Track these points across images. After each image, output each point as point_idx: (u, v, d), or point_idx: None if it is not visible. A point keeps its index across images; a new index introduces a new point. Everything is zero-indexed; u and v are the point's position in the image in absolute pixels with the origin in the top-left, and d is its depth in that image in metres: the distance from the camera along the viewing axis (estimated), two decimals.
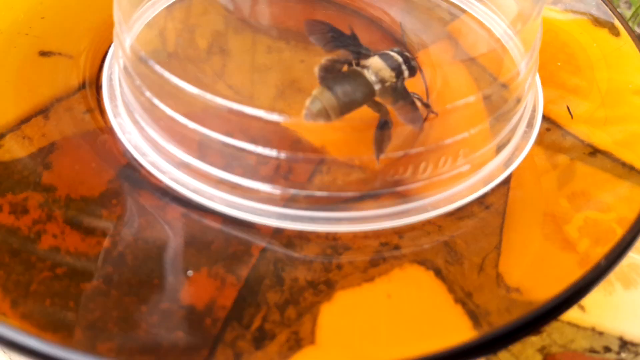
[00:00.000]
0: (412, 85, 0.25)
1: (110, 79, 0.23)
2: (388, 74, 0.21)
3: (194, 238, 0.18)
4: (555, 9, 0.28)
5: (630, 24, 0.63)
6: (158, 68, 0.21)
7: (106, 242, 0.18)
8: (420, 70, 0.25)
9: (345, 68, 0.21)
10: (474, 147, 0.20)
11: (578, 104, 0.24)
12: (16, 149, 0.20)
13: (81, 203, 0.19)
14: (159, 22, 0.26)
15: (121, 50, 0.22)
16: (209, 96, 0.19)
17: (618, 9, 0.69)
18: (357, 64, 0.21)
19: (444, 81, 0.24)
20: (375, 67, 0.21)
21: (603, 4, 0.28)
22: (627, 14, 0.65)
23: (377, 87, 0.20)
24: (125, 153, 0.20)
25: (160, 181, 0.20)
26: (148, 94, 0.21)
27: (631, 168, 0.22)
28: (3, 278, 0.17)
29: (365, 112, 0.23)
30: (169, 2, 0.26)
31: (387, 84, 0.20)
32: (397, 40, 0.26)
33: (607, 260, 0.18)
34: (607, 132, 0.23)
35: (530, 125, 0.23)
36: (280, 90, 0.25)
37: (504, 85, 0.22)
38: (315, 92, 0.19)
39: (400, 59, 0.21)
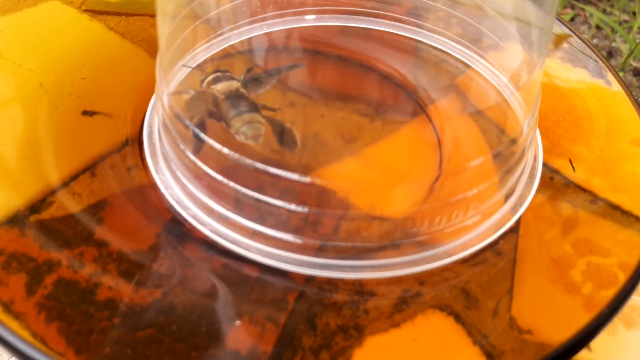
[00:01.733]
0: (422, 136, 0.27)
1: (151, 136, 0.25)
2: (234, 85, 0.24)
3: (235, 287, 0.20)
4: (555, 60, 0.31)
5: (628, 60, 0.65)
6: (192, 126, 0.23)
7: (157, 293, 0.20)
8: (432, 123, 0.27)
9: None
10: (484, 199, 0.22)
11: (579, 154, 0.26)
12: (68, 205, 0.22)
13: (132, 256, 0.21)
14: (194, 78, 0.28)
15: (161, 106, 0.24)
16: (239, 157, 0.21)
17: (614, 43, 0.72)
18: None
19: (454, 135, 0.26)
20: (222, 89, 0.24)
21: (595, 54, 0.30)
22: (623, 47, 0.68)
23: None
24: (169, 208, 0.22)
25: (202, 234, 0.22)
26: (185, 150, 0.23)
27: (629, 214, 0.24)
28: (66, 329, 0.19)
29: (386, 166, 0.25)
30: (203, 58, 0.28)
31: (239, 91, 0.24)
32: (409, 94, 0.28)
33: (612, 306, 0.19)
34: (607, 180, 0.25)
35: (532, 173, 0.25)
36: (304, 143, 0.27)
37: (513, 141, 0.24)
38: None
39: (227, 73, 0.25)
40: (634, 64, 0.71)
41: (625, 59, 0.68)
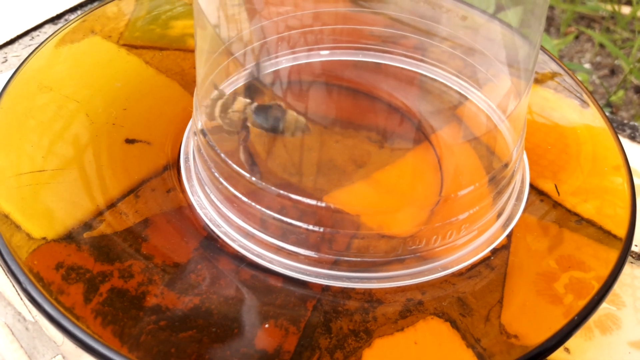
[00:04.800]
0: (425, 161, 0.30)
1: (187, 161, 0.28)
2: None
3: (262, 295, 0.24)
4: (548, 91, 0.34)
5: (629, 78, 0.68)
6: (220, 152, 0.26)
7: (196, 300, 0.23)
8: (434, 149, 0.30)
9: None
10: (477, 220, 0.25)
11: (566, 178, 0.29)
12: (116, 224, 0.26)
13: (174, 268, 0.24)
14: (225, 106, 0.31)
15: (195, 132, 0.28)
16: (261, 184, 0.25)
17: (616, 61, 0.74)
18: None
19: (453, 160, 0.29)
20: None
21: (582, 90, 0.33)
22: (625, 65, 0.71)
23: None
24: (204, 226, 0.26)
25: (233, 249, 0.25)
26: (216, 173, 0.26)
27: (609, 234, 0.27)
28: (119, 330, 0.22)
29: (393, 190, 0.28)
30: (232, 89, 0.32)
31: None
32: (413, 122, 0.32)
33: (582, 313, 0.23)
34: (591, 203, 0.28)
35: (520, 194, 0.28)
36: (319, 167, 0.30)
37: (505, 165, 0.28)
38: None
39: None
40: (635, 81, 0.74)
41: (624, 77, 0.71)
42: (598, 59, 0.79)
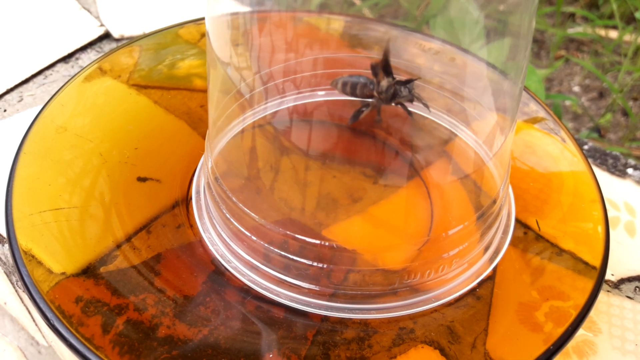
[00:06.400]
0: (417, 197, 0.32)
1: (199, 199, 0.30)
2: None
3: (266, 325, 0.26)
4: (535, 127, 0.36)
5: (616, 101, 0.70)
6: (226, 189, 0.28)
7: (205, 331, 0.25)
8: (426, 185, 0.33)
9: None
10: (466, 254, 0.28)
11: (548, 213, 0.31)
12: (130, 258, 0.28)
13: (184, 301, 0.26)
14: (231, 146, 0.33)
15: (207, 170, 0.30)
16: (269, 225, 0.27)
17: (604, 84, 0.76)
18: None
19: (444, 196, 0.31)
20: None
21: (563, 131, 0.35)
22: (614, 88, 0.73)
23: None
24: (213, 261, 0.28)
25: (239, 282, 0.27)
26: (223, 209, 0.28)
27: (586, 264, 0.29)
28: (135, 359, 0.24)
29: (387, 224, 0.31)
30: (240, 128, 0.34)
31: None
32: (406, 159, 0.34)
33: (558, 342, 0.25)
34: (570, 235, 0.30)
35: (506, 227, 0.30)
36: (318, 201, 0.32)
37: (494, 201, 0.30)
38: None
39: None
40: (622, 103, 0.76)
41: (612, 101, 0.74)
42: (587, 81, 0.81)
